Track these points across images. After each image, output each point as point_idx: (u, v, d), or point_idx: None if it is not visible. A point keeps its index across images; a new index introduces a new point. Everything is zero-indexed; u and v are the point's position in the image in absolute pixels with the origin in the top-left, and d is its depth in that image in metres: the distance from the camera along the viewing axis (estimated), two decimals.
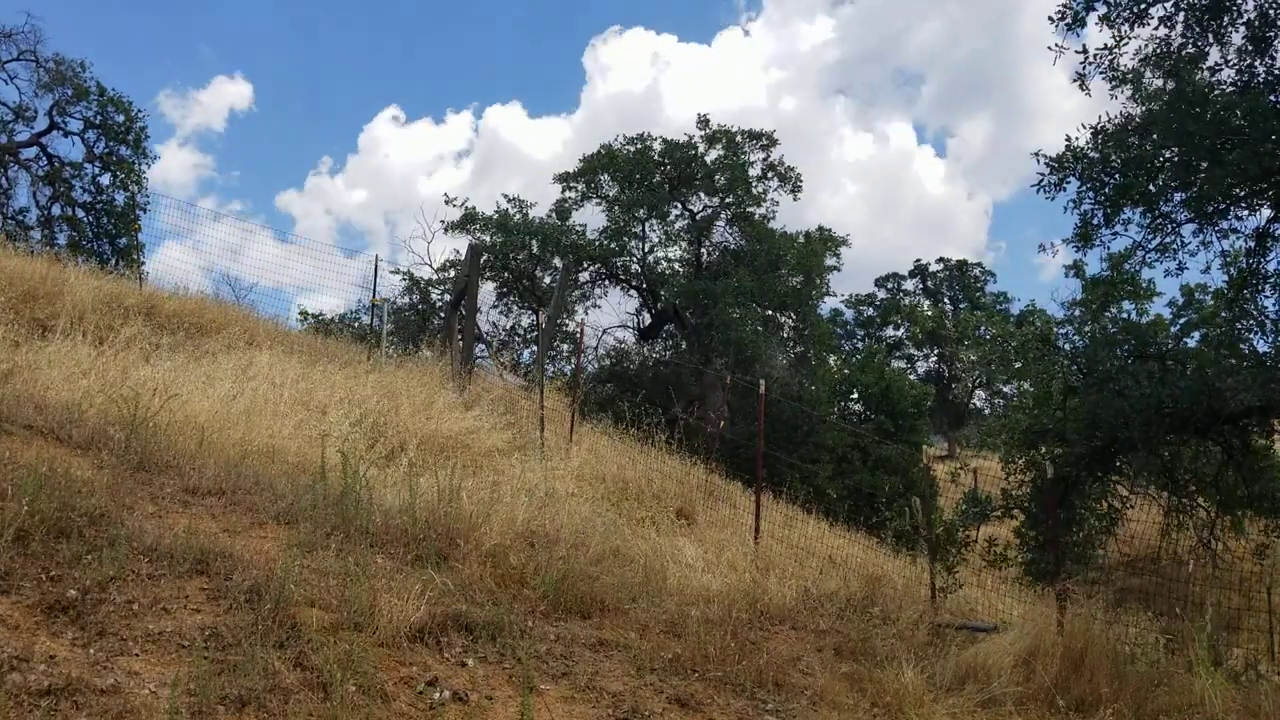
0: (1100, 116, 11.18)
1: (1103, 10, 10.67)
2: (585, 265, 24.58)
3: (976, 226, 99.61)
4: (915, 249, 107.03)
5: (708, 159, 24.28)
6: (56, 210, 22.51)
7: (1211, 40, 10.43)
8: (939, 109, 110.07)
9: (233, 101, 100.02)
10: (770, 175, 24.62)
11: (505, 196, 28.92)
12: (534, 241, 23.96)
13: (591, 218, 26.60)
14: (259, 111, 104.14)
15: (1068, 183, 11.22)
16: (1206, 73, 10.60)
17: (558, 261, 23.77)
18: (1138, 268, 12.31)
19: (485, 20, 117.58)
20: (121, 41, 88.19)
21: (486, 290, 24.02)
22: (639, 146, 24.46)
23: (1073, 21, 10.75)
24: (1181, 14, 10.42)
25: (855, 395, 26.62)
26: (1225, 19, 10.28)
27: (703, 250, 24.61)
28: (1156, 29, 10.57)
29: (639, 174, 24.00)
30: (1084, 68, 10.90)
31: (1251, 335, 12.14)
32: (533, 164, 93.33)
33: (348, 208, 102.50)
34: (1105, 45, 10.84)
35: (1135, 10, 10.55)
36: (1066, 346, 14.05)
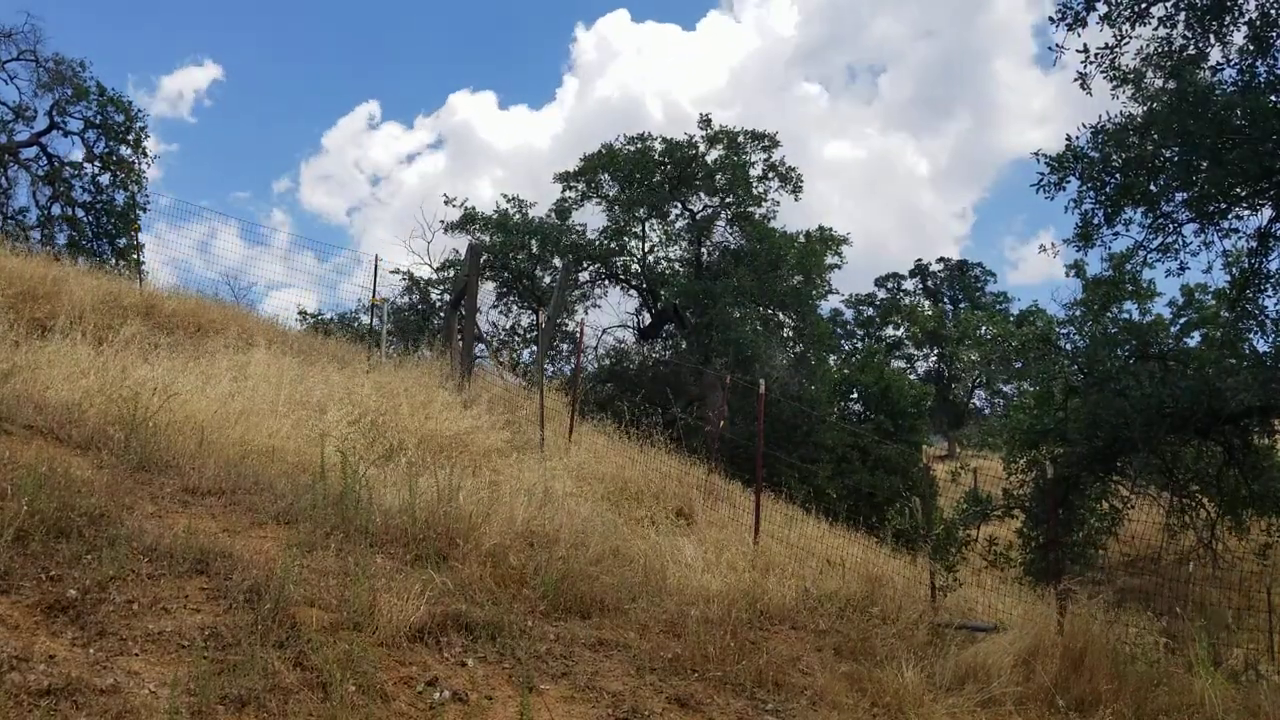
0: (1100, 115, 11.20)
1: (1104, 10, 10.67)
2: (585, 265, 24.59)
3: (953, 222, 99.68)
4: (894, 246, 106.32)
5: (709, 159, 24.29)
6: (56, 210, 22.49)
7: (1213, 40, 10.44)
8: (911, 104, 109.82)
9: (198, 84, 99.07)
10: (771, 175, 24.63)
11: (505, 196, 28.95)
12: (534, 241, 23.97)
13: (591, 217, 26.64)
14: (228, 100, 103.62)
15: (1068, 182, 11.23)
16: (1207, 72, 10.60)
17: (558, 261, 23.78)
18: (1139, 268, 12.32)
19: (462, 5, 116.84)
20: (92, 27, 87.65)
21: (486, 290, 24.07)
22: (639, 146, 24.45)
23: (1074, 21, 10.75)
24: (1182, 14, 10.42)
25: (855, 395, 26.64)
26: (1226, 19, 10.28)
27: (703, 250, 24.61)
28: (1157, 29, 10.58)
29: (639, 173, 23.99)
30: (1085, 67, 10.91)
31: (1252, 335, 12.16)
32: (503, 155, 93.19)
33: (314, 205, 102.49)
34: (1106, 45, 10.85)
35: (1136, 9, 10.55)
36: (1067, 346, 14.06)
